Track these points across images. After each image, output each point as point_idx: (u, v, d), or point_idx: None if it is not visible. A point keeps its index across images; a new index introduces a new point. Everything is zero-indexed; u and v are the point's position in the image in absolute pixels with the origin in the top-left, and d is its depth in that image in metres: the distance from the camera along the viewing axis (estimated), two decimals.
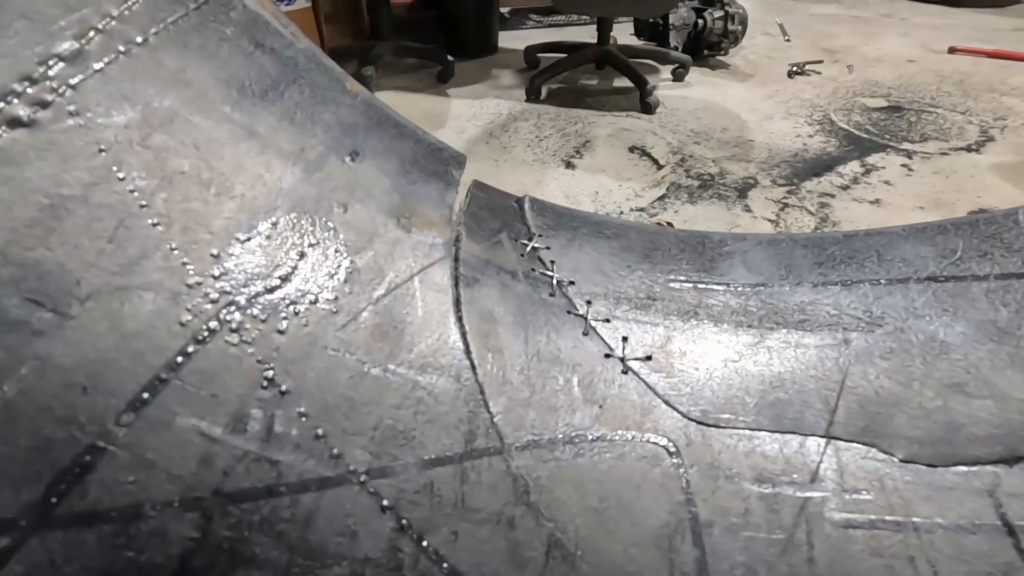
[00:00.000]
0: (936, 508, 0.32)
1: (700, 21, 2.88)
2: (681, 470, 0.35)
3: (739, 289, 0.46)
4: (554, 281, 0.46)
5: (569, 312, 0.45)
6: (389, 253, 0.40)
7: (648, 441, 0.37)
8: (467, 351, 0.38)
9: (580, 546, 0.33)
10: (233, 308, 0.30)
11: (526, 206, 0.53)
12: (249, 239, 0.32)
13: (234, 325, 0.30)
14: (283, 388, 0.30)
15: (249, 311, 0.30)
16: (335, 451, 0.31)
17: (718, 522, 0.33)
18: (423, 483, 0.32)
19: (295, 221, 0.34)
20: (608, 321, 0.45)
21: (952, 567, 0.31)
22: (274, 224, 0.33)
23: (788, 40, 3.42)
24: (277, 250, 0.33)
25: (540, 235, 0.50)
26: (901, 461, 0.33)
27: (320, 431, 0.31)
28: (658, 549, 0.33)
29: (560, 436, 0.37)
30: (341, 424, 0.31)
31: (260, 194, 0.33)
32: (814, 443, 0.35)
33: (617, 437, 0.38)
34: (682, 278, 0.48)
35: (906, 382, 0.35)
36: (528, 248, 0.48)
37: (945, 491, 0.32)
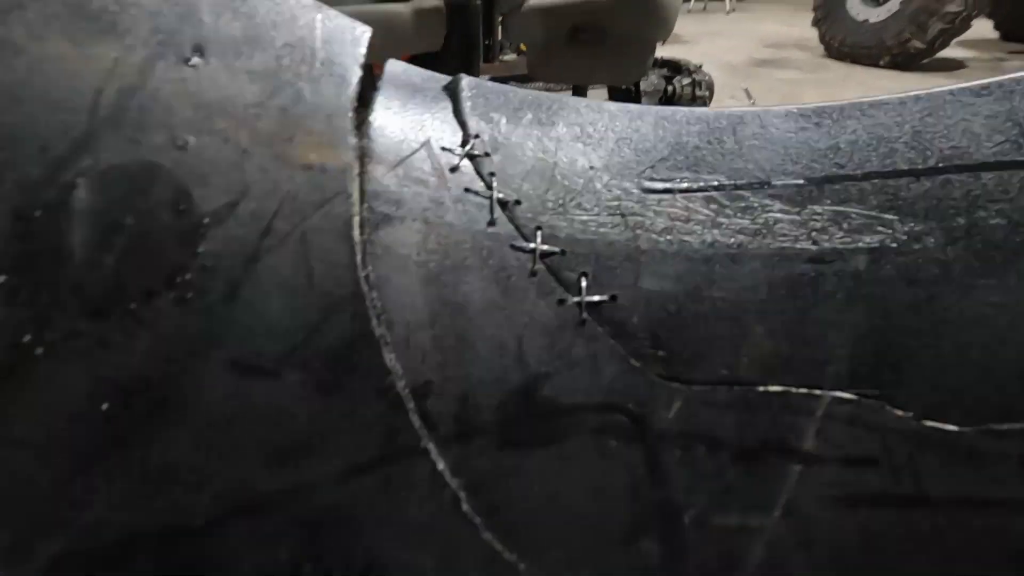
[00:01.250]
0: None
1: (670, 88, 3.07)
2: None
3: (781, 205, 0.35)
4: (493, 201, 0.35)
5: (514, 246, 0.35)
6: (260, 200, 0.30)
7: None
8: (377, 332, 0.29)
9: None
10: None
11: (463, 93, 0.40)
12: None
13: None
14: None
15: None
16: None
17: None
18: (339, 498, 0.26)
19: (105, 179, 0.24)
20: (563, 254, 0.35)
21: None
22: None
23: (753, 103, 3.59)
24: None
25: (478, 136, 0.38)
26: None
27: None
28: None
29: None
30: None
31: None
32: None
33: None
34: (668, 184, 0.36)
35: None
36: (461, 158, 0.37)
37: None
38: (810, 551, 0.26)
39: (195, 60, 0.31)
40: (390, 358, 0.29)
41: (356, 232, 0.31)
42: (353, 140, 0.34)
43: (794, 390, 0.30)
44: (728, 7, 5.35)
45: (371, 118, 0.36)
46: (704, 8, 5.69)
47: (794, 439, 0.28)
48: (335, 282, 0.29)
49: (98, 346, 0.25)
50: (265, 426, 0.26)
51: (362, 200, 0.32)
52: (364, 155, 0.34)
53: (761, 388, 0.30)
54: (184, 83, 0.30)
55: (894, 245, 0.32)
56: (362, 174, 0.33)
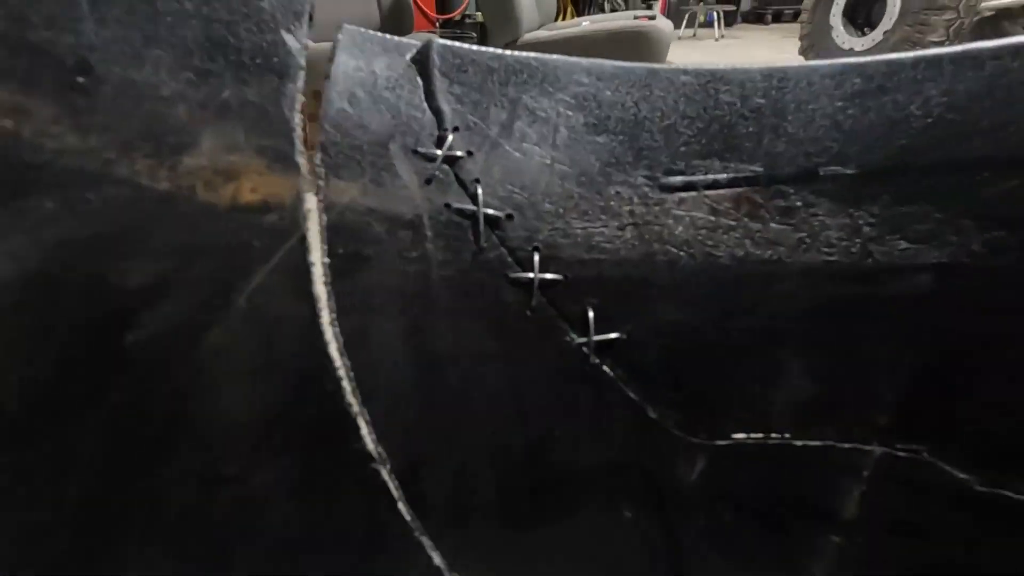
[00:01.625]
0: None
1: None
2: None
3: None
4: (480, 219, 0.29)
5: (508, 278, 0.29)
6: (190, 265, 0.24)
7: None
8: (353, 411, 0.25)
9: None
10: None
11: (435, 67, 0.32)
12: None
13: None
14: None
15: None
16: None
17: None
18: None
19: None
20: (566, 282, 0.29)
21: None
22: None
23: None
24: None
25: (457, 129, 0.31)
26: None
27: None
28: None
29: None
30: None
31: None
32: None
33: None
34: (692, 176, 0.30)
35: None
36: (438, 162, 0.30)
37: None
38: None
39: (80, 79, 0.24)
40: (370, 440, 0.25)
41: (318, 284, 0.26)
42: (302, 159, 0.27)
43: (837, 445, 0.26)
44: (717, 35, 4.84)
45: (324, 116, 0.29)
46: (694, 35, 5.09)
47: (835, 504, 0.25)
48: (297, 354, 0.25)
49: (29, 475, 0.22)
50: (234, 538, 0.23)
51: (322, 240, 0.26)
52: (318, 176, 0.27)
53: (799, 442, 0.26)
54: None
55: (967, 260, 0.26)
56: (320, 204, 0.27)
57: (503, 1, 1.86)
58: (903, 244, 0.27)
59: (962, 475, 0.24)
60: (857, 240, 0.28)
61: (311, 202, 0.27)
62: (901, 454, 0.25)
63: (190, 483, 0.23)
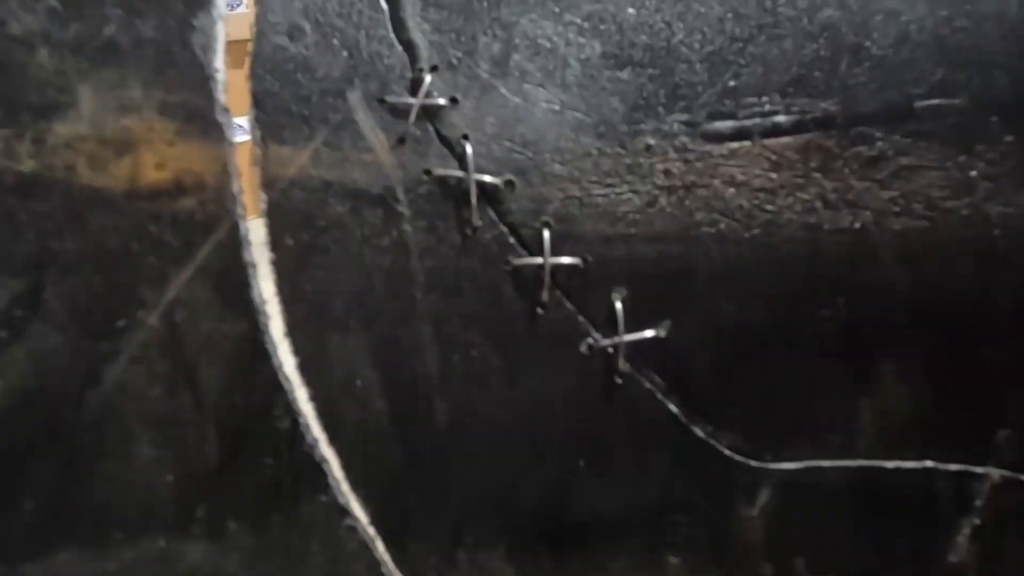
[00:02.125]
0: None
1: None
2: None
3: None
4: (472, 197, 0.22)
5: (509, 263, 0.22)
6: (63, 284, 0.18)
7: None
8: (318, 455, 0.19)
9: None
10: None
11: None
12: None
13: None
14: None
15: None
16: None
17: None
18: None
19: None
20: (585, 266, 0.22)
21: None
22: None
23: None
24: None
25: (436, 69, 0.23)
26: None
27: None
28: None
29: None
30: None
31: None
32: None
33: None
34: (743, 121, 0.23)
35: None
36: (413, 114, 0.23)
37: None
38: None
39: None
40: (343, 488, 0.19)
41: (261, 290, 0.19)
42: (227, 119, 0.20)
43: (941, 467, 0.20)
44: None
45: (256, 57, 0.21)
46: None
47: (941, 543, 0.20)
48: (238, 385, 0.19)
49: None
50: None
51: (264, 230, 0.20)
52: (252, 142, 0.20)
53: (892, 464, 0.20)
54: None
55: None
56: (257, 180, 0.20)
57: None
58: None
59: None
60: (970, 199, 0.21)
61: (243, 178, 0.20)
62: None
63: (84, 569, 0.17)
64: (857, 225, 0.22)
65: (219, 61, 0.20)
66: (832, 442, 0.21)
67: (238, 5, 0.22)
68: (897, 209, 0.22)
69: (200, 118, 0.19)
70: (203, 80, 0.19)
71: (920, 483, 0.20)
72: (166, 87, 0.19)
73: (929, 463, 0.20)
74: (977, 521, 0.20)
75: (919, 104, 0.22)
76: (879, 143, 0.22)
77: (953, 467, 0.20)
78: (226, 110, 0.19)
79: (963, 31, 0.22)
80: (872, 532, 0.21)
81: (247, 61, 0.21)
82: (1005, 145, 0.21)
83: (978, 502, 0.20)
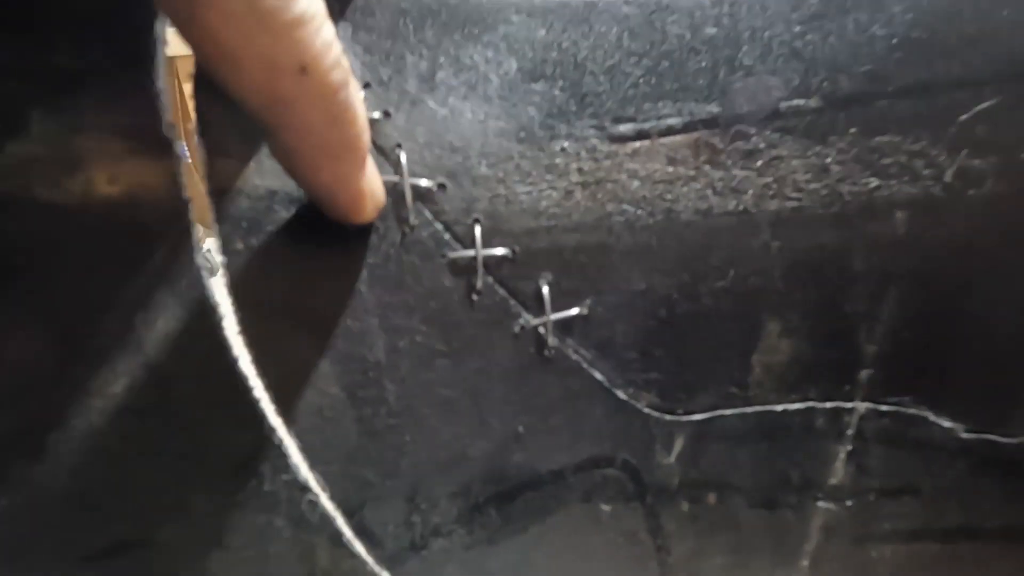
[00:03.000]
0: None
1: None
2: None
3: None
4: (407, 199, 0.25)
5: (444, 258, 0.25)
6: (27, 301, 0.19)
7: None
8: (276, 438, 0.21)
9: None
10: None
11: (334, 14, 0.26)
12: None
13: None
14: None
15: None
16: None
17: None
18: None
19: None
20: (514, 256, 0.25)
21: None
22: None
23: None
24: None
25: (368, 85, 0.26)
26: None
27: None
28: None
29: None
30: None
31: None
32: None
33: None
34: (644, 124, 0.26)
35: None
36: None
37: None
38: None
39: None
40: (303, 468, 0.21)
41: (215, 290, 0.21)
42: (174, 135, 0.22)
43: (819, 406, 0.24)
44: None
45: (198, 78, 0.23)
46: None
47: (822, 469, 0.23)
48: (197, 379, 0.20)
49: None
50: None
51: (214, 235, 0.21)
52: (197, 155, 0.22)
53: (780, 407, 0.24)
54: None
55: (941, 194, 0.24)
56: (205, 189, 0.22)
57: None
58: (875, 181, 0.25)
59: (947, 423, 0.23)
60: (826, 181, 0.25)
61: (191, 188, 0.21)
62: (884, 408, 0.24)
63: (57, 563, 0.18)
64: (741, 208, 0.25)
65: (162, 80, 0.22)
66: (731, 393, 0.25)
67: None
68: (772, 192, 0.25)
69: (148, 136, 0.21)
70: (150, 101, 0.21)
71: (804, 421, 0.24)
72: (113, 109, 0.20)
73: (810, 403, 0.24)
74: (850, 447, 0.24)
75: (783, 105, 0.26)
76: (754, 138, 0.26)
77: (829, 405, 0.24)
78: (172, 126, 0.21)
79: (813, 43, 0.26)
80: (769, 466, 0.24)
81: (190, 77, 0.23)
82: (851, 136, 0.25)
83: (850, 432, 0.24)
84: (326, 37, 0.17)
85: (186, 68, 0.23)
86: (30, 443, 0.18)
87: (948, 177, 0.24)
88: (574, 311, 0.25)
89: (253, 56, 0.16)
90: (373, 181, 0.22)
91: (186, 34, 0.16)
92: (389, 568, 0.22)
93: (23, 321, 0.18)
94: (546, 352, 0.24)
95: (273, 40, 0.15)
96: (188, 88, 0.23)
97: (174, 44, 0.22)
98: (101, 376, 0.19)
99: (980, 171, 0.24)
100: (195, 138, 0.22)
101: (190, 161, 0.21)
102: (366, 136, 0.20)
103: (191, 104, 0.23)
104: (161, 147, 0.21)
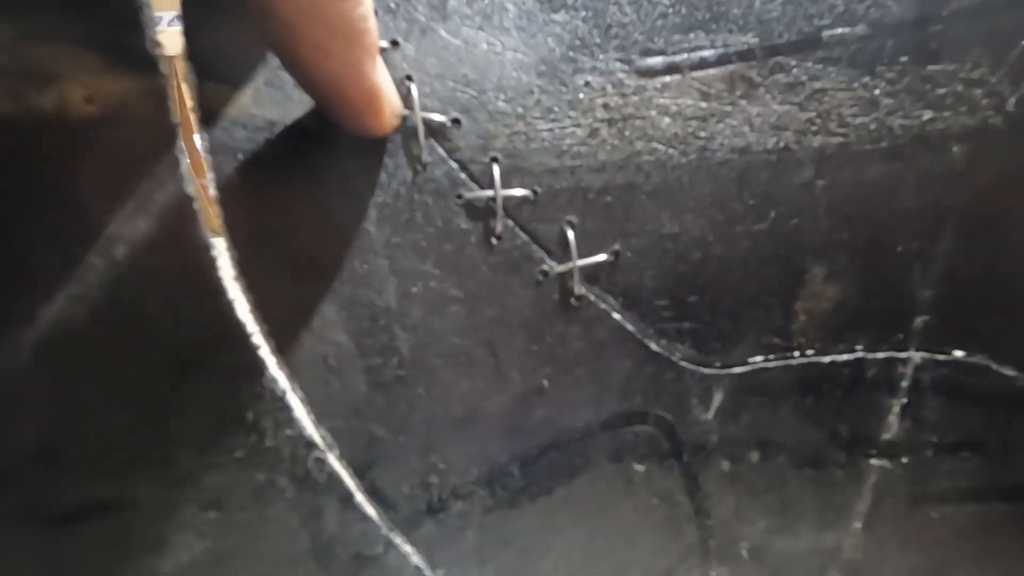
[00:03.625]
0: None
1: None
2: None
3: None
4: (420, 135, 0.22)
5: (461, 199, 0.23)
6: None
7: None
8: (279, 389, 0.19)
9: None
10: None
11: None
12: None
13: None
14: None
15: None
16: None
17: None
18: None
19: None
20: (535, 197, 0.23)
21: None
22: None
23: None
24: None
25: (376, 13, 0.23)
26: None
27: None
28: None
29: None
30: None
31: None
32: None
33: None
34: (674, 57, 0.24)
35: None
36: None
37: None
38: (899, 569, 0.21)
39: None
40: (308, 422, 0.19)
41: (208, 224, 0.19)
42: (161, 51, 0.19)
43: (870, 356, 0.22)
44: None
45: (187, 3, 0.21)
46: None
47: (875, 424, 0.21)
48: (190, 322, 0.18)
49: None
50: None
51: (207, 166, 0.19)
52: (187, 78, 0.20)
53: (827, 359, 0.22)
54: None
55: (1004, 125, 0.22)
56: (195, 115, 0.20)
57: None
58: (929, 113, 0.23)
59: (1011, 372, 0.21)
60: (875, 114, 0.23)
61: (182, 112, 0.19)
62: (941, 357, 0.22)
63: (20, 524, 0.16)
64: (781, 144, 0.23)
65: None
66: (774, 344, 0.23)
67: None
68: (815, 128, 0.23)
69: (129, 51, 0.18)
70: (130, 10, 0.18)
71: (853, 372, 0.22)
72: (86, 17, 0.18)
73: (860, 353, 0.22)
74: (905, 400, 0.22)
75: (826, 33, 0.24)
76: (794, 70, 0.24)
77: (881, 355, 0.22)
78: (157, 44, 0.19)
79: None
80: (815, 422, 0.22)
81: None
82: (900, 65, 0.23)
83: (904, 383, 0.22)
84: None
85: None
86: None
87: (1010, 106, 0.22)
88: (601, 256, 0.23)
89: None
90: (387, 83, 0.19)
91: None
92: (403, 532, 0.20)
93: None
94: (572, 300, 0.22)
95: None
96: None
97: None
98: (72, 315, 0.16)
99: None
100: (184, 64, 0.20)
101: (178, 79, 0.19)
102: (372, 20, 0.18)
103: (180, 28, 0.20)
104: (144, 64, 0.18)
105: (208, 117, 0.20)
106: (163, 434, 0.18)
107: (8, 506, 0.16)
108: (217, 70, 0.20)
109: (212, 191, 0.20)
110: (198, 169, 0.20)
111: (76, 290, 0.17)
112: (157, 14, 0.19)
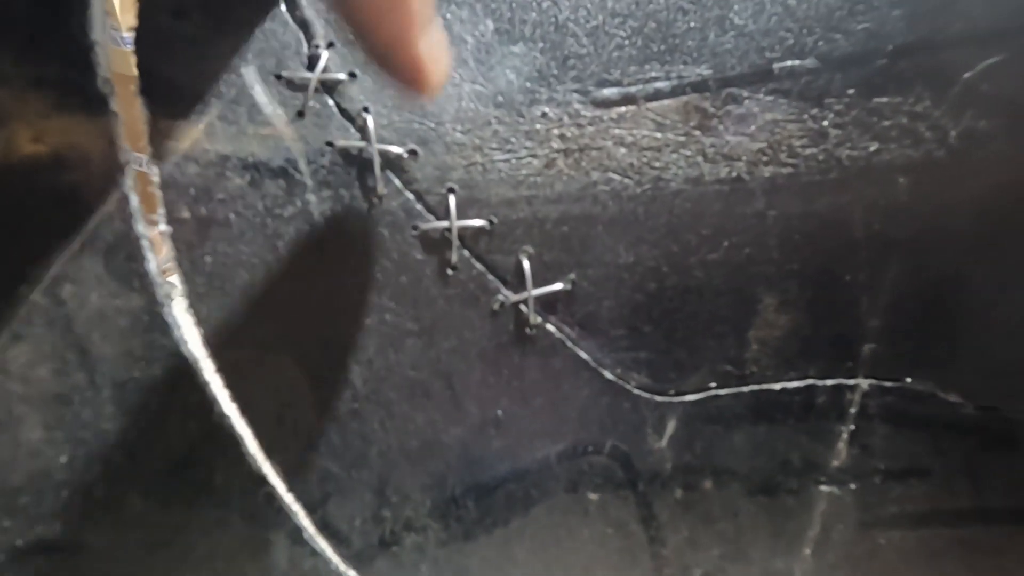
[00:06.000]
0: None
1: None
2: None
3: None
4: (374, 159, 0.23)
5: (417, 229, 0.23)
6: None
7: None
8: (227, 422, 0.19)
9: None
10: None
11: None
12: None
13: None
14: None
15: None
16: None
17: None
18: None
19: None
20: (491, 227, 0.23)
21: None
22: None
23: None
24: None
25: (332, 45, 0.24)
26: None
27: None
28: None
29: None
30: None
31: None
32: None
33: None
34: (630, 88, 0.24)
35: None
36: (311, 89, 0.23)
37: None
38: None
39: None
40: (259, 458, 0.19)
41: (150, 263, 0.19)
42: (111, 91, 0.19)
43: (819, 383, 0.22)
44: None
45: (136, 31, 0.21)
46: None
47: (824, 451, 0.22)
48: (138, 360, 0.18)
49: None
50: None
51: (157, 203, 0.19)
52: (135, 117, 0.20)
53: (778, 386, 0.22)
54: None
55: (946, 158, 0.23)
56: (146, 153, 0.20)
57: None
58: (875, 145, 0.23)
59: (955, 399, 0.22)
60: (823, 145, 0.24)
61: (131, 152, 0.19)
62: (888, 384, 0.22)
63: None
64: (734, 175, 0.24)
65: (98, 31, 0.19)
66: (726, 372, 0.23)
67: None
68: (766, 158, 0.24)
69: (80, 92, 0.19)
70: (82, 52, 0.19)
71: (804, 400, 0.23)
72: (38, 59, 0.18)
73: (810, 381, 0.23)
74: (853, 427, 0.22)
75: (776, 66, 0.25)
76: (746, 101, 0.25)
77: (830, 382, 0.23)
78: (108, 81, 0.19)
79: (807, 0, 0.25)
80: (767, 449, 0.23)
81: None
82: (848, 98, 0.24)
83: (852, 410, 0.23)
84: None
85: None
86: None
87: (952, 139, 0.22)
88: (557, 286, 0.23)
89: None
90: (440, 50, 0.19)
91: None
92: (356, 567, 0.20)
93: None
94: (527, 330, 0.22)
95: None
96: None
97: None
98: (17, 355, 0.16)
99: (986, 132, 0.22)
100: (135, 89, 0.20)
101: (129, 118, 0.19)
102: None
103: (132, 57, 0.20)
104: (94, 103, 0.19)
105: (160, 153, 0.20)
106: (112, 475, 0.18)
107: None
108: (170, 105, 0.21)
109: (163, 227, 0.20)
110: (149, 205, 0.20)
111: (21, 329, 0.17)
112: (116, 32, 0.20)
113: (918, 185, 0.22)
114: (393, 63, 0.19)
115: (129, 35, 0.19)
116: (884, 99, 0.23)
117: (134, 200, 0.19)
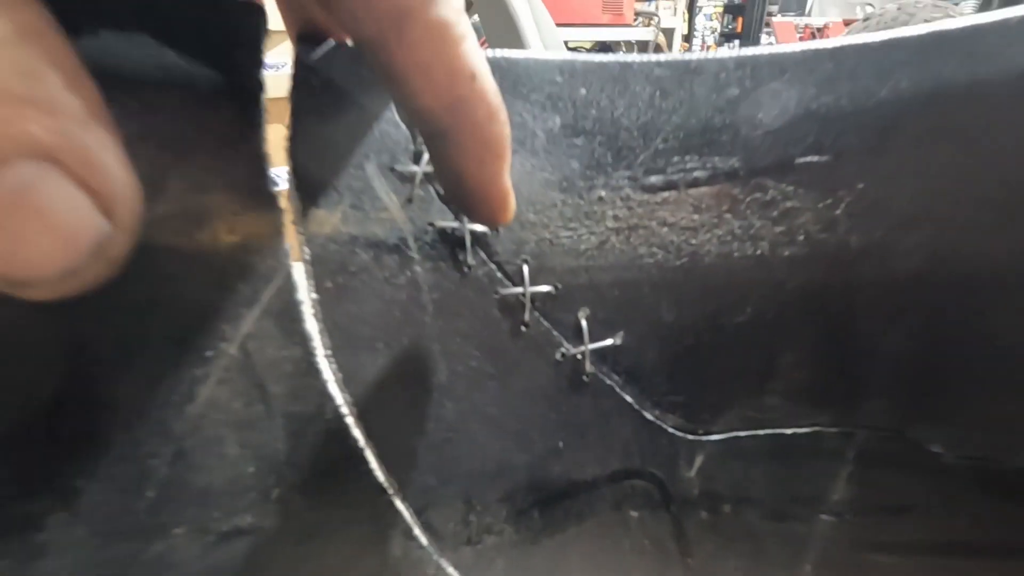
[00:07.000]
0: None
1: None
2: None
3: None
4: (466, 236, 0.29)
5: (498, 295, 0.29)
6: (172, 319, 0.23)
7: None
8: (361, 444, 0.25)
9: None
10: None
11: None
12: None
13: None
14: None
15: None
16: None
17: None
18: None
19: None
20: (556, 292, 0.29)
21: None
22: None
23: None
24: None
25: None
26: None
27: None
28: None
29: None
30: None
31: None
32: None
33: None
34: (673, 176, 0.30)
35: None
36: (417, 180, 0.29)
37: None
38: None
39: None
40: (380, 472, 0.25)
41: (309, 322, 0.25)
42: (277, 191, 0.26)
43: (826, 431, 0.27)
44: None
45: (294, 139, 0.27)
46: None
47: (826, 486, 0.26)
48: (296, 396, 0.24)
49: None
50: None
51: (308, 276, 0.26)
52: (295, 209, 0.26)
53: (790, 431, 0.27)
54: None
55: (956, 239, 0.27)
56: (301, 237, 0.26)
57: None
58: (882, 230, 0.28)
59: (936, 449, 0.26)
60: (836, 232, 0.28)
61: (292, 237, 0.26)
62: (882, 434, 0.27)
63: (195, 542, 0.23)
64: (758, 253, 0.29)
65: (265, 145, 0.26)
66: (747, 417, 0.28)
67: (283, 66, 0.28)
68: (786, 240, 0.29)
69: (258, 193, 0.25)
70: (259, 162, 0.25)
71: (812, 443, 0.27)
72: (229, 170, 0.25)
73: (817, 428, 0.27)
74: (851, 468, 0.27)
75: (798, 160, 0.29)
76: (771, 191, 0.29)
77: (834, 430, 0.27)
78: (274, 182, 0.25)
79: (826, 104, 0.30)
80: (779, 481, 0.27)
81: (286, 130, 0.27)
82: (859, 191, 0.28)
83: (850, 455, 0.27)
84: (480, 49, 0.21)
85: (283, 109, 0.27)
86: (164, 447, 0.22)
87: (963, 226, 0.27)
88: (609, 341, 0.28)
89: (440, 66, 0.19)
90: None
91: (386, 52, 0.19)
92: (449, 560, 0.26)
93: (158, 343, 0.23)
94: (584, 378, 0.28)
95: (452, 51, 0.19)
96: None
97: (272, 87, 0.26)
98: (223, 394, 0.23)
99: (998, 222, 0.26)
100: (290, 192, 0.26)
101: (289, 211, 0.26)
102: (507, 134, 0.23)
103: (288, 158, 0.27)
104: (268, 203, 0.25)
105: (309, 236, 0.26)
106: (282, 482, 0.24)
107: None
108: (316, 198, 0.27)
109: (314, 295, 0.26)
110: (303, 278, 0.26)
111: (224, 375, 0.23)
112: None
113: (927, 265, 0.27)
114: (489, 197, 0.24)
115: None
116: (895, 188, 0.28)
117: (295, 275, 0.25)
